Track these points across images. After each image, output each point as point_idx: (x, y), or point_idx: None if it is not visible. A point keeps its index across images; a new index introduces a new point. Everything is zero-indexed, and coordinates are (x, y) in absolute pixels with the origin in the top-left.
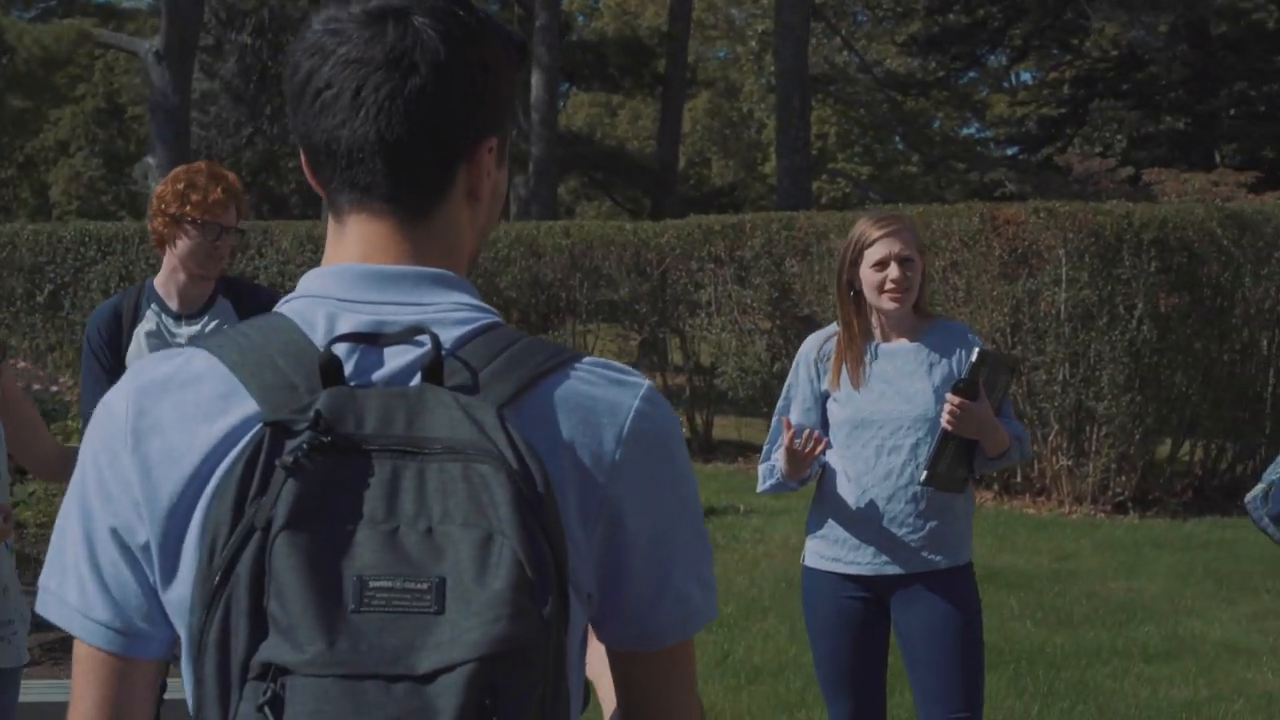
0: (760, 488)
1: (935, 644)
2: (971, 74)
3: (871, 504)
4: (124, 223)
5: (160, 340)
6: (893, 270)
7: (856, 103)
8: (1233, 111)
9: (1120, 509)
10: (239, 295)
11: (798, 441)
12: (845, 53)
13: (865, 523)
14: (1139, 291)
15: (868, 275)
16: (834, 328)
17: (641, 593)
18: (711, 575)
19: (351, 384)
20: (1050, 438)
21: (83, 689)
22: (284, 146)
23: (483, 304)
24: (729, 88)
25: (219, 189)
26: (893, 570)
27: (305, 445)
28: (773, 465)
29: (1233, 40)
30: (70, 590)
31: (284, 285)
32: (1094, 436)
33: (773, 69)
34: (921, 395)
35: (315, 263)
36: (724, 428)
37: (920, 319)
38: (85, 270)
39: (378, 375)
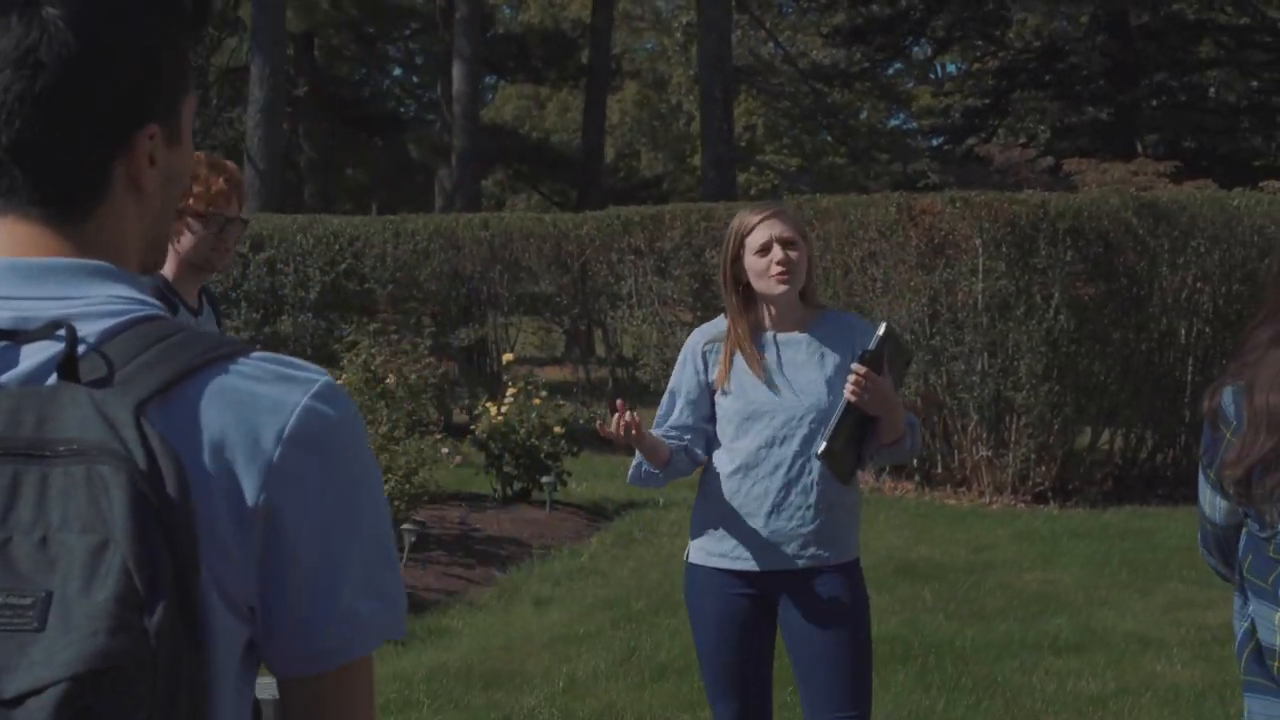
0: (629, 478)
1: (822, 642)
2: (898, 65)
3: (761, 497)
4: None
5: None
6: (776, 252)
7: (781, 94)
8: (1154, 102)
9: (1040, 499)
10: (210, 298)
11: (609, 426)
12: (770, 44)
13: (753, 517)
14: (1055, 281)
15: (753, 263)
16: (722, 321)
17: (304, 608)
18: (395, 589)
19: None
20: (970, 428)
21: None
22: (206, 140)
23: (145, 297)
24: (657, 80)
25: (220, 179)
26: (781, 566)
27: None
28: (635, 460)
29: (1153, 30)
30: None
31: None
32: (1013, 427)
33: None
34: (813, 386)
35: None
36: (647, 420)
37: (810, 310)
38: None
39: (12, 374)
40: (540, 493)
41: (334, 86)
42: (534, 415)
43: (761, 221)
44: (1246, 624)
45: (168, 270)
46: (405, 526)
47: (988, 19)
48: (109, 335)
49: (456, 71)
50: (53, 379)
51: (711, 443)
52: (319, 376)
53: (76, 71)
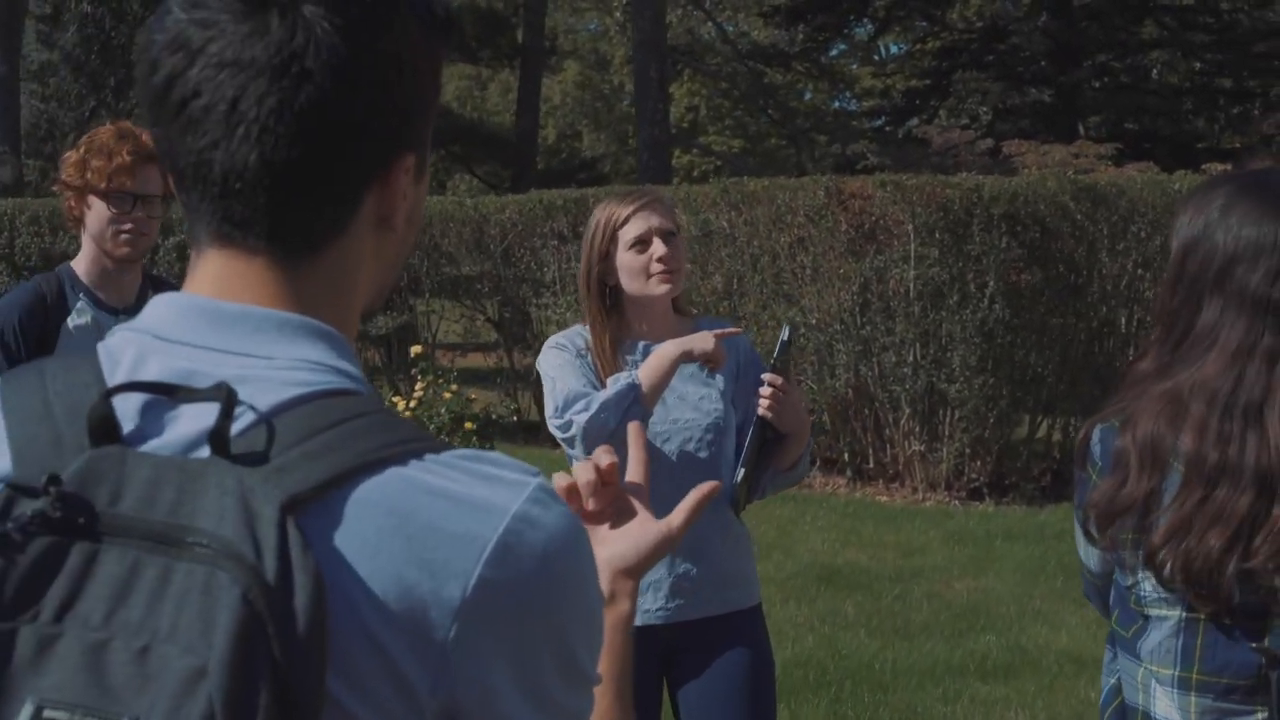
0: (595, 408)
1: (725, 701)
2: (840, 46)
3: None
4: None
5: (97, 336)
6: (657, 246)
7: (719, 75)
8: (1096, 83)
9: (975, 495)
10: (160, 289)
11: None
12: (709, 24)
13: None
14: (990, 268)
15: (626, 261)
16: (580, 333)
17: None
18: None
19: (131, 446)
20: (902, 422)
21: None
22: (132, 119)
23: (347, 367)
24: (599, 60)
25: (125, 150)
26: (686, 616)
27: (27, 515)
28: (623, 377)
29: (1095, 11)
30: None
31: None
32: (947, 420)
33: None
34: (710, 401)
35: None
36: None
37: (683, 317)
38: None
39: (160, 440)
40: None
41: None
42: (444, 410)
43: (637, 211)
44: (1113, 680)
45: (80, 260)
46: None
47: None
48: (283, 408)
49: None
50: (204, 452)
51: None
52: (530, 478)
53: (343, 84)
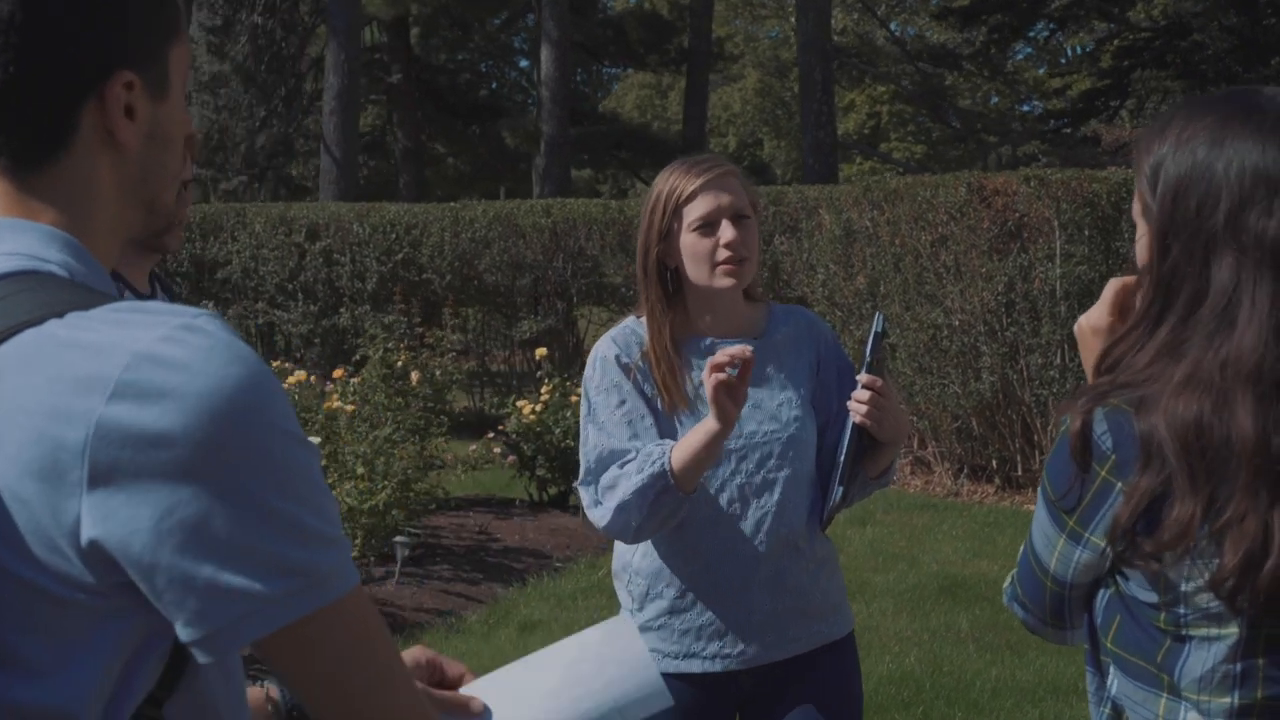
0: (615, 503)
1: None
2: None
3: (738, 565)
4: None
5: None
6: (725, 230)
7: (887, 79)
8: None
9: None
10: (165, 286)
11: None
12: (881, 28)
13: (727, 595)
14: None
15: (689, 244)
16: (635, 327)
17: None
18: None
19: None
20: (1050, 427)
21: None
22: (299, 129)
23: (46, 254)
24: (779, 67)
25: None
26: (767, 658)
27: None
28: (655, 457)
29: None
30: None
31: (256, 270)
32: None
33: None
34: (790, 408)
35: (288, 246)
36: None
37: (758, 306)
38: None
39: None
40: (577, 498)
41: (429, 74)
42: (570, 415)
43: (705, 186)
44: (1106, 710)
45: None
46: (398, 539)
47: None
48: None
49: (545, 55)
50: None
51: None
52: (172, 317)
53: (35, 6)
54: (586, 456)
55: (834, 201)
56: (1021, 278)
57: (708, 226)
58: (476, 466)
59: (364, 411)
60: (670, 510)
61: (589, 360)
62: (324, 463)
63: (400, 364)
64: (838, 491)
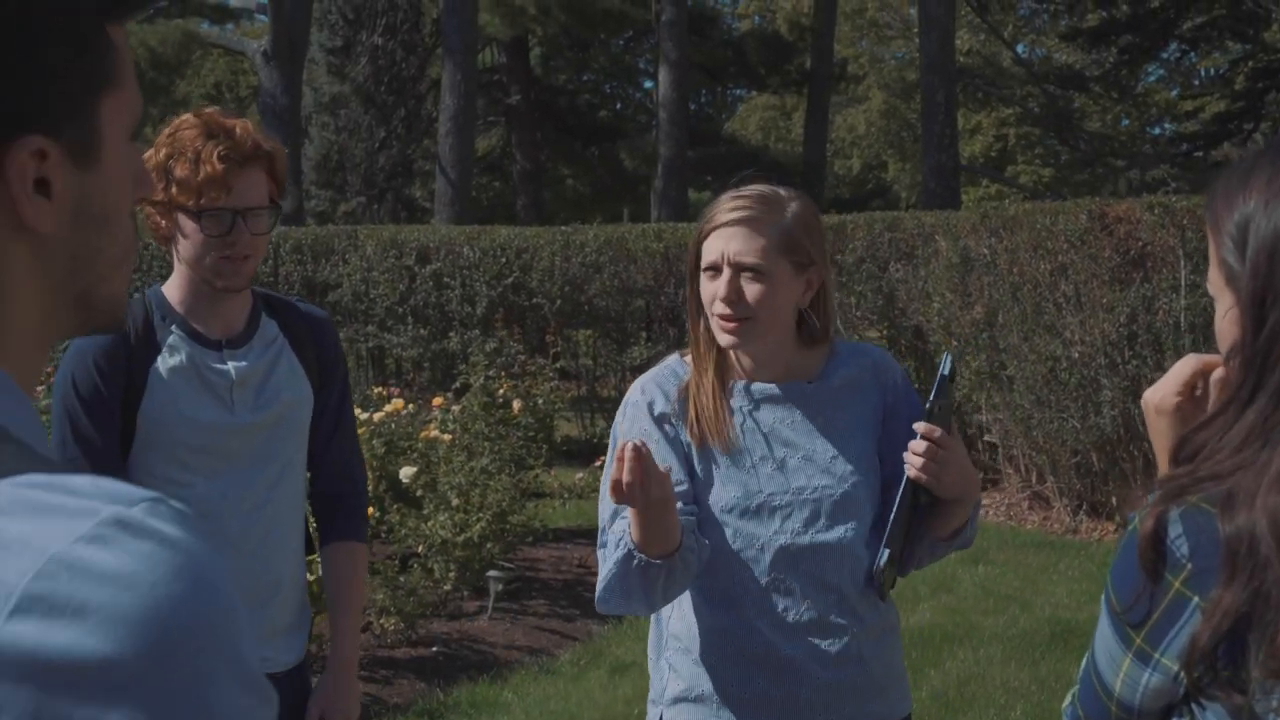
0: (599, 588)
1: None
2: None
3: (783, 634)
4: None
5: (198, 380)
6: (720, 283)
7: (1012, 100)
8: None
9: None
10: (279, 312)
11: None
12: (1007, 48)
13: (778, 669)
14: None
15: (702, 287)
16: (677, 367)
17: None
18: None
19: None
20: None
21: None
22: (419, 150)
23: None
24: (905, 89)
25: (216, 153)
26: None
27: None
28: (620, 534)
29: None
30: None
31: (367, 293)
32: None
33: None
34: (844, 461)
35: (399, 269)
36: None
37: (814, 350)
38: None
39: None
40: None
41: (549, 95)
42: None
43: (718, 227)
44: None
45: (172, 284)
46: (492, 574)
47: (1243, 17)
48: None
49: (663, 76)
50: None
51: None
52: (103, 506)
53: None
54: (601, 514)
55: (951, 228)
56: (1144, 309)
57: (713, 270)
58: (583, 495)
59: (463, 440)
60: (663, 578)
61: (622, 404)
62: (419, 493)
63: (502, 392)
64: (883, 555)
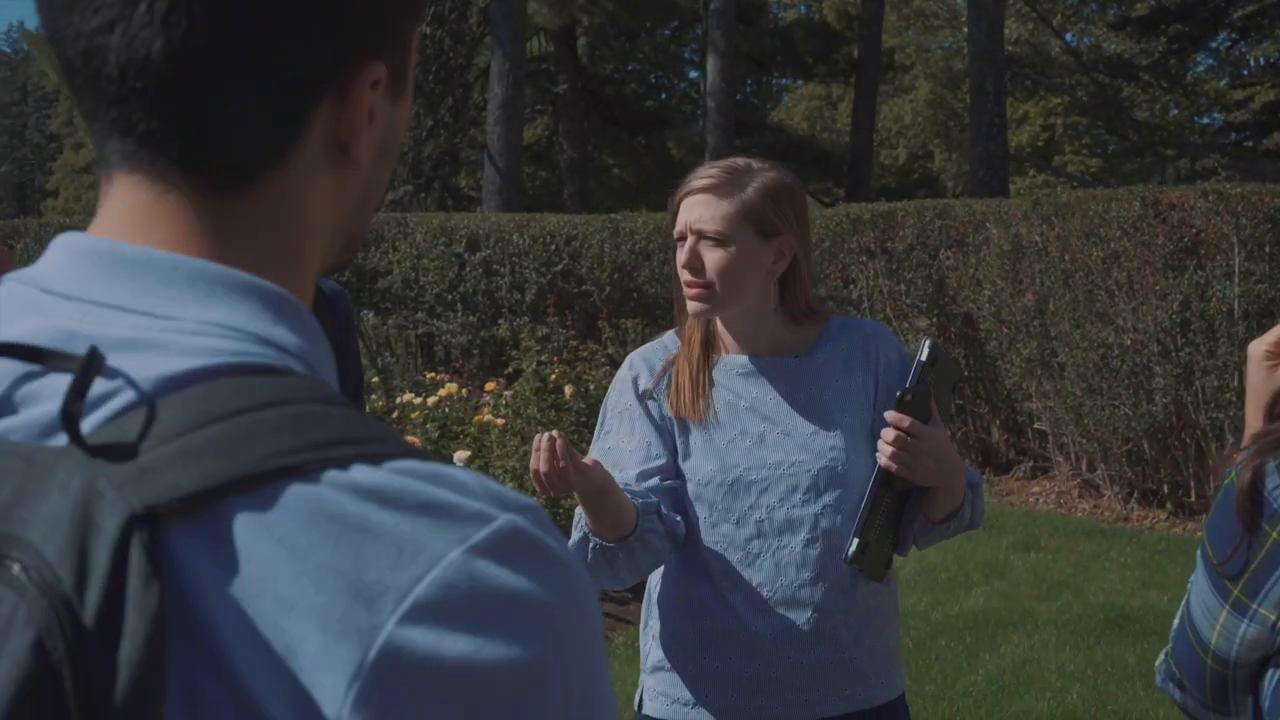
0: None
1: None
2: (1207, 60)
3: (754, 610)
4: None
5: None
6: (683, 249)
7: (1060, 89)
8: None
9: None
10: (331, 299)
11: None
12: (1054, 38)
13: (749, 645)
14: None
15: (676, 257)
16: (668, 341)
17: None
18: None
19: None
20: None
21: None
22: (465, 139)
23: (273, 334)
24: (952, 78)
25: None
26: (785, 718)
27: None
28: (578, 522)
29: None
30: None
31: (417, 280)
32: None
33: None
34: (825, 437)
35: (448, 256)
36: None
37: (803, 323)
38: None
39: (16, 419)
40: None
41: (596, 84)
42: None
43: (685, 196)
44: None
45: None
46: None
47: None
48: (171, 386)
49: (710, 65)
50: (62, 439)
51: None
52: (499, 512)
53: None
54: None
55: (1002, 215)
56: (1198, 296)
57: (681, 240)
58: None
59: (515, 425)
60: (621, 559)
61: (618, 373)
62: None
63: (554, 378)
64: (852, 543)
